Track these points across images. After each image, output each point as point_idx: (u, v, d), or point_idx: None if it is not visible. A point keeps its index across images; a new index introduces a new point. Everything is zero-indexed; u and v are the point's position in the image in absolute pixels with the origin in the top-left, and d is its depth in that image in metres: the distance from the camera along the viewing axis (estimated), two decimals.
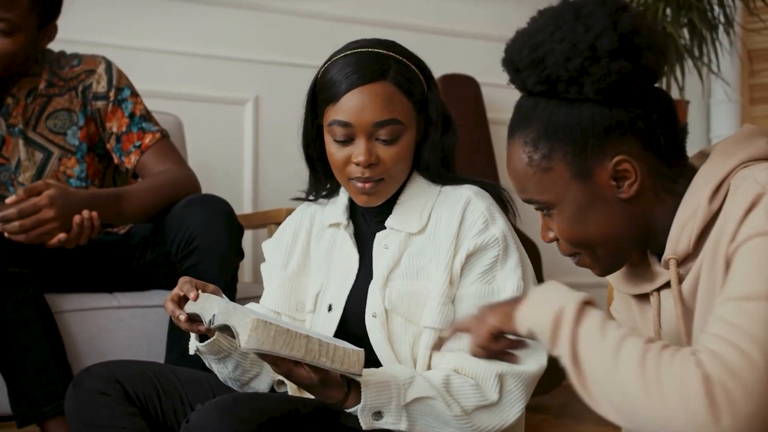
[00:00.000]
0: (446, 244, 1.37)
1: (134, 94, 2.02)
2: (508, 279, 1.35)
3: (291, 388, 1.42)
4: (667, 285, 1.11)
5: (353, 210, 1.48)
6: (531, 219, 1.49)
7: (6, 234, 1.72)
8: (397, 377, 1.28)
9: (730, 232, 0.99)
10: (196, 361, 1.49)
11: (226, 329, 1.19)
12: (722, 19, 3.01)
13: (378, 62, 1.36)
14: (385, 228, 1.43)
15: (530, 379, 1.34)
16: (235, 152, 2.88)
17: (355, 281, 1.43)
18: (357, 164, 1.36)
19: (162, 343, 1.89)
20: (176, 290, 1.33)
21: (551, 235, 1.12)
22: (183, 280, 1.34)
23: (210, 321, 1.22)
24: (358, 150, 1.35)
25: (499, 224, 1.38)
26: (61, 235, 1.73)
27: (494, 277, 1.36)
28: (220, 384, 1.47)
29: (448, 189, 1.42)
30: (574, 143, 1.06)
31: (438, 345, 1.34)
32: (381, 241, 1.42)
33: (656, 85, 1.09)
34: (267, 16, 2.91)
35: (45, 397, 1.74)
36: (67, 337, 1.86)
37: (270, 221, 2.32)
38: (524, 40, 1.08)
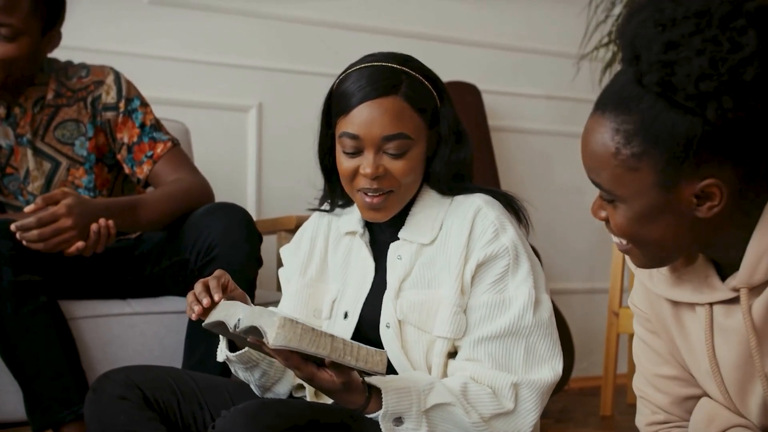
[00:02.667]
0: (456, 252, 1.38)
1: (144, 104, 2.03)
2: (520, 288, 1.36)
3: (309, 394, 1.44)
4: (724, 301, 1.07)
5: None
6: (534, 225, 1.50)
7: (24, 242, 1.73)
8: (417, 383, 1.30)
9: None
10: (215, 366, 1.50)
11: (253, 331, 1.21)
12: None
13: (390, 77, 1.38)
14: (398, 239, 1.44)
15: (545, 389, 1.35)
16: (238, 159, 2.89)
17: (371, 289, 1.45)
18: (364, 176, 1.38)
19: (175, 349, 1.91)
20: (209, 280, 1.33)
21: (603, 215, 1.07)
22: (218, 274, 1.35)
23: (235, 325, 1.23)
24: (366, 162, 1.37)
25: (509, 233, 1.39)
26: (79, 244, 1.75)
27: (506, 286, 1.37)
28: (238, 390, 1.48)
29: (460, 198, 1.44)
30: (671, 153, 0.98)
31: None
32: (395, 251, 1.44)
33: None
34: (270, 24, 2.93)
35: (60, 404, 1.74)
36: (80, 343, 1.86)
37: (280, 228, 2.32)
38: (657, 32, 0.96)
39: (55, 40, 1.99)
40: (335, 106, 1.41)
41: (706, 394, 1.18)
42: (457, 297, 1.37)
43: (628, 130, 1.00)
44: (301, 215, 1.79)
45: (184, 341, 1.84)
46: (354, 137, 1.37)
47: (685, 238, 1.04)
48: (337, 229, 1.52)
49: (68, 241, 1.75)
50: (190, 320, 1.82)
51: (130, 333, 1.92)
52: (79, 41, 2.37)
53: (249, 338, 1.23)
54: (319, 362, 1.23)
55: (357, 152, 1.39)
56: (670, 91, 0.96)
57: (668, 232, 1.03)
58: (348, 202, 1.52)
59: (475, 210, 1.40)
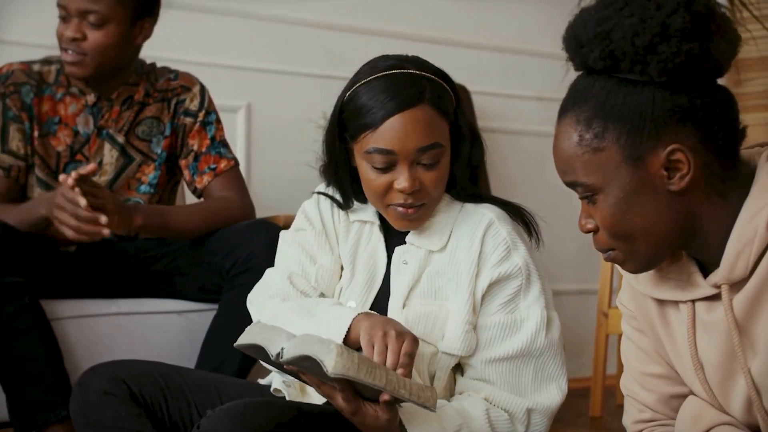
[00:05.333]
0: (466, 267, 1.36)
1: (218, 120, 2.11)
2: (532, 308, 1.36)
3: (290, 394, 1.42)
4: (706, 298, 1.09)
5: (381, 214, 1.44)
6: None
7: (59, 217, 1.71)
8: (445, 430, 1.28)
9: None
10: (230, 374, 1.48)
11: (303, 360, 1.16)
12: None
13: (413, 85, 1.33)
14: (404, 243, 1.41)
15: (554, 411, 1.36)
16: None
17: (379, 289, 1.41)
18: (400, 191, 1.34)
19: (161, 349, 1.91)
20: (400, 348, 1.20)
21: (590, 225, 1.10)
22: (411, 350, 1.21)
23: (278, 354, 1.19)
24: (401, 177, 1.33)
25: (521, 251, 1.37)
26: (103, 218, 1.72)
27: (517, 306, 1.36)
28: (226, 386, 1.47)
29: (470, 207, 1.41)
30: (630, 125, 1.02)
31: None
32: (400, 256, 1.40)
33: (720, 81, 1.06)
34: (259, 24, 2.92)
35: (43, 406, 1.74)
36: (66, 343, 1.85)
37: None
38: (590, 14, 1.04)
39: (146, 30, 2.03)
40: (354, 121, 1.35)
41: (692, 393, 1.18)
42: (469, 315, 1.35)
43: (587, 116, 1.05)
44: (290, 215, 1.80)
45: (202, 344, 1.85)
46: (387, 152, 1.32)
47: (668, 223, 1.05)
48: (346, 216, 1.47)
49: (98, 230, 1.74)
50: (213, 324, 1.85)
51: (117, 333, 1.92)
52: None
53: (287, 366, 1.19)
54: (364, 396, 1.20)
55: (389, 167, 1.33)
56: (614, 65, 1.03)
57: (651, 216, 1.05)
58: (362, 202, 1.46)
59: (487, 224, 1.37)
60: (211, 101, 2.11)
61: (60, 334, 1.85)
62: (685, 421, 1.16)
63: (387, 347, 1.21)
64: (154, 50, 2.76)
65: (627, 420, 1.26)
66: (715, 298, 1.09)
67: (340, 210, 1.47)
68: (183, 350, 1.91)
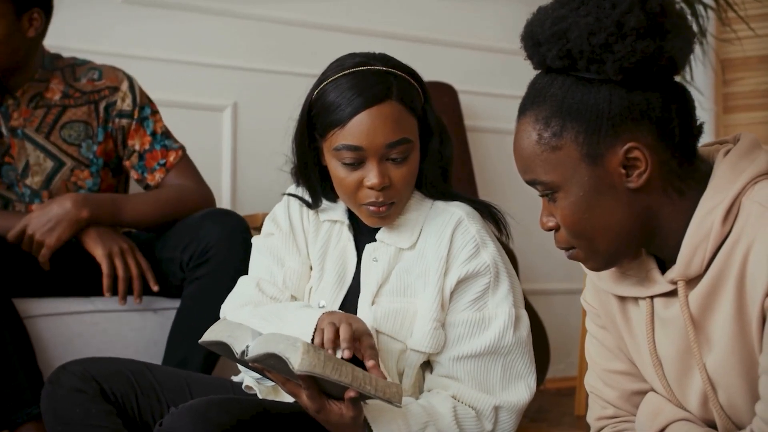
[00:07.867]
0: (435, 265, 1.37)
1: (154, 111, 2.05)
2: (500, 306, 1.36)
3: (260, 393, 1.42)
4: (664, 294, 1.10)
5: (351, 213, 1.46)
6: (512, 226, 1.49)
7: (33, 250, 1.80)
8: (410, 426, 1.28)
9: (763, 282, 0.98)
10: (196, 369, 1.47)
11: (269, 358, 1.16)
12: (696, 29, 3.06)
13: (380, 81, 1.34)
14: (374, 240, 1.42)
15: (522, 409, 1.37)
16: (213, 158, 2.88)
17: (350, 287, 1.42)
18: (370, 188, 1.34)
19: (137, 347, 1.91)
20: (334, 335, 1.21)
21: (551, 223, 1.10)
22: (351, 326, 1.23)
23: (243, 352, 1.19)
24: (371, 173, 1.34)
25: (490, 249, 1.37)
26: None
27: (485, 304, 1.37)
28: (197, 384, 1.48)
29: (440, 204, 1.42)
30: (587, 123, 1.03)
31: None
32: (370, 253, 1.41)
33: (677, 78, 1.07)
34: (245, 23, 2.93)
35: (15, 405, 1.73)
36: (41, 342, 1.85)
37: (254, 226, 2.32)
38: (547, 13, 1.05)
39: (37, 22, 1.95)
40: (322, 119, 1.36)
41: (653, 389, 1.19)
42: (437, 312, 1.36)
43: (546, 115, 1.06)
44: (268, 213, 1.80)
45: (167, 341, 1.85)
46: (356, 149, 1.33)
47: (628, 220, 1.06)
48: (316, 216, 1.47)
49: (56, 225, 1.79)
50: (176, 319, 1.84)
51: (92, 331, 1.91)
52: (50, 39, 2.36)
53: (252, 364, 1.19)
54: (329, 394, 1.21)
55: (358, 163, 1.34)
56: (571, 63, 1.04)
57: (611, 214, 1.06)
58: (332, 200, 1.47)
59: (456, 222, 1.38)
60: (143, 94, 2.04)
61: (35, 333, 1.85)
62: (645, 417, 1.17)
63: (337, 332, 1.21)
64: (140, 49, 2.77)
65: (591, 417, 1.27)
66: (672, 294, 1.10)
67: (310, 210, 1.47)
68: (159, 347, 1.91)
